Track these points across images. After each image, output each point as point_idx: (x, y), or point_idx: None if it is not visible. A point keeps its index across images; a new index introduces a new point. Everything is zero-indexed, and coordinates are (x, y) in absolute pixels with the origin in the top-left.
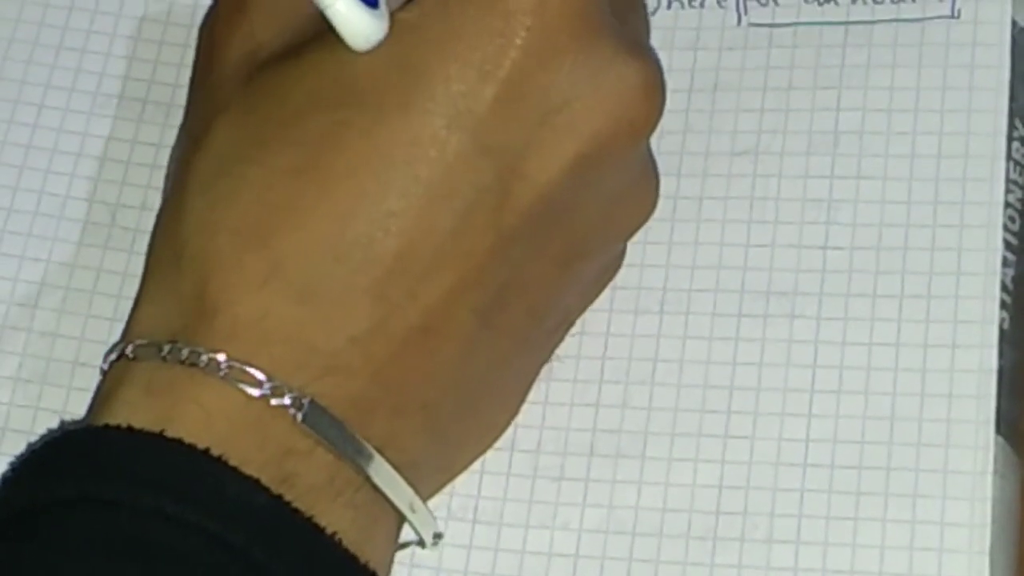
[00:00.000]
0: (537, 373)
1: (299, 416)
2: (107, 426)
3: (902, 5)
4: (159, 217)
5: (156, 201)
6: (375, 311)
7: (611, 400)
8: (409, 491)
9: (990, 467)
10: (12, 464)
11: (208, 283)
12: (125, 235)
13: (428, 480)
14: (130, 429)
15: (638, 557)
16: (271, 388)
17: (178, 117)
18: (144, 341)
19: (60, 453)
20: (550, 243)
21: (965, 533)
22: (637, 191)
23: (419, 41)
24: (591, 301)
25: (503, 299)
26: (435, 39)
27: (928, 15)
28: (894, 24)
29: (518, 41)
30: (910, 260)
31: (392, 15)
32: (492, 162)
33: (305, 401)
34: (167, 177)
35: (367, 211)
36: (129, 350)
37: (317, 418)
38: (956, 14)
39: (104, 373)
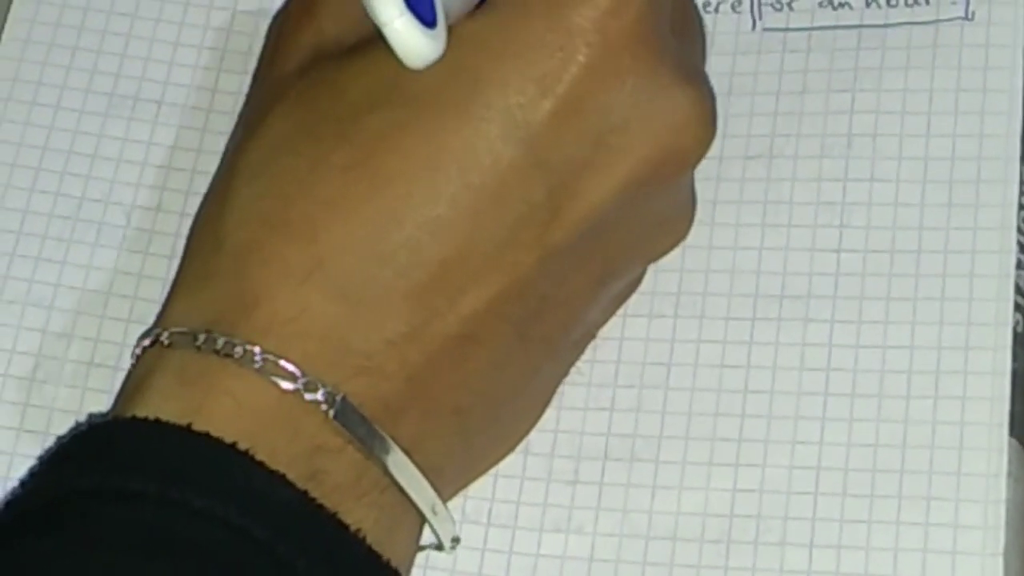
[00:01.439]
0: (559, 384)
1: (331, 413)
2: (134, 418)
3: (916, 8)
4: (204, 202)
5: (172, 203)
6: (414, 316)
7: (625, 404)
8: (432, 494)
9: (1004, 469)
10: (40, 456)
11: (249, 275)
12: (141, 237)
13: (449, 483)
14: (158, 421)
15: (652, 561)
16: (304, 383)
17: (193, 119)
18: (180, 329)
19: (87, 445)
20: (590, 260)
21: (979, 535)
22: (677, 216)
23: (480, 51)
24: (611, 316)
25: (540, 312)
26: (497, 50)
27: (942, 17)
28: (907, 27)
29: (580, 58)
30: (924, 263)
31: (455, 25)
32: (544, 177)
33: (338, 398)
34: (220, 164)
35: (415, 215)
36: (164, 336)
37: (348, 416)
38: (970, 16)
39: (137, 358)
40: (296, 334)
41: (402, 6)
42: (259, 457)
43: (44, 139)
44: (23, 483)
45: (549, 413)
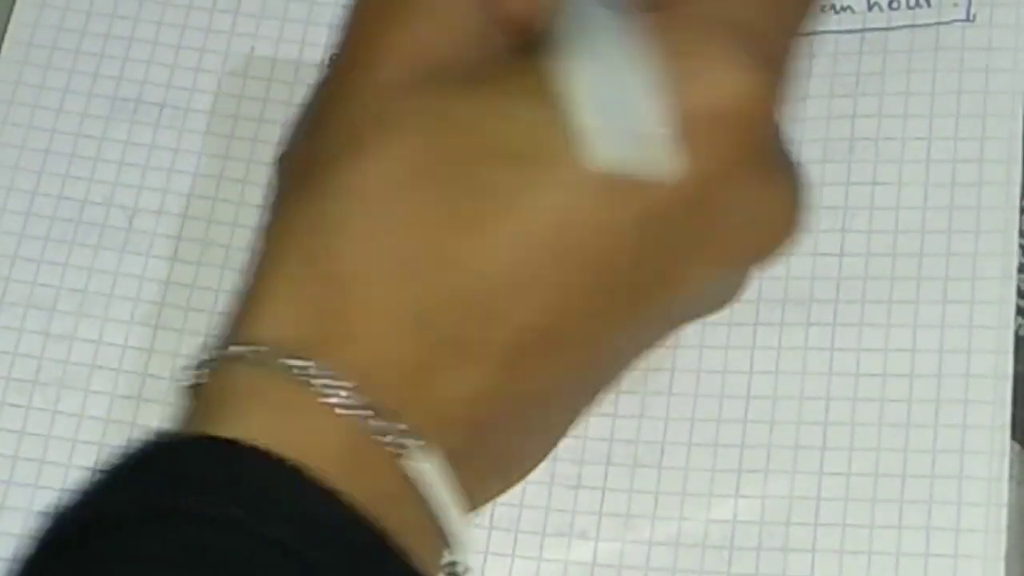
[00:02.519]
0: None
1: (402, 456)
2: (212, 438)
3: (917, 11)
4: (286, 211)
5: (173, 206)
6: (497, 374)
7: (628, 410)
8: (469, 534)
9: (1006, 473)
10: (107, 467)
11: (344, 306)
12: (142, 239)
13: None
14: (233, 443)
15: (655, 566)
16: (381, 424)
17: (195, 122)
18: (263, 344)
19: (160, 461)
20: (657, 327)
21: (980, 539)
22: (732, 294)
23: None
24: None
25: (602, 369)
26: None
27: (943, 20)
28: (909, 30)
29: (708, 148)
30: (926, 266)
31: None
32: (650, 260)
33: (413, 443)
34: (282, 163)
35: (519, 278)
36: (250, 353)
37: (418, 463)
38: (971, 18)
39: (213, 362)
40: (381, 374)
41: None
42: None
43: (47, 142)
44: (79, 497)
45: None
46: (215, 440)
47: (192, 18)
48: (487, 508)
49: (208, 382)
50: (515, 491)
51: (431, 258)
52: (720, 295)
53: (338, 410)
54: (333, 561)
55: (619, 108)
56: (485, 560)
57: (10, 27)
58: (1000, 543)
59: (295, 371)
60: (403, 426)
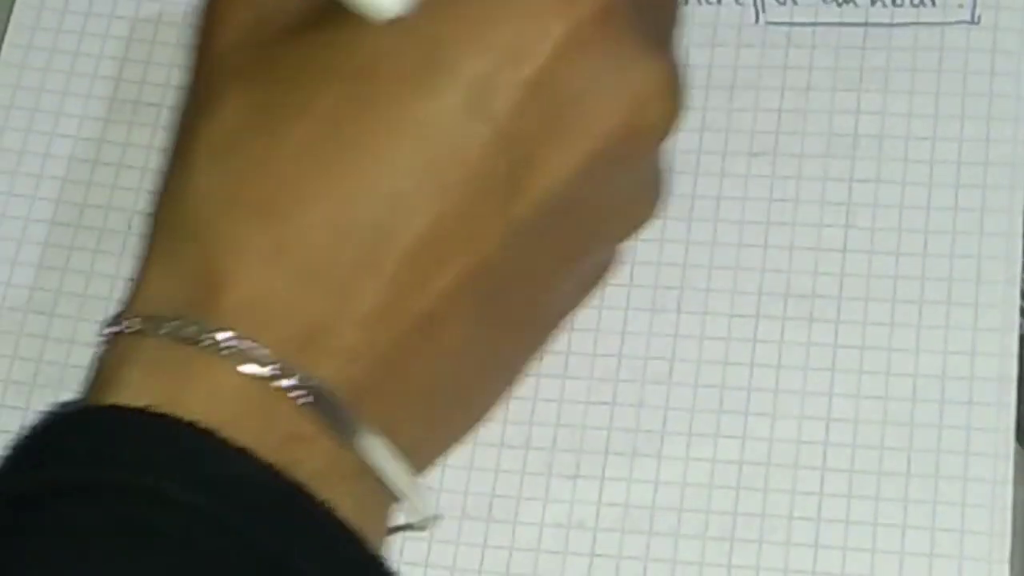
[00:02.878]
0: (527, 365)
1: (303, 400)
2: (110, 406)
3: (922, 9)
4: (162, 184)
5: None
6: (381, 295)
7: (627, 399)
8: (408, 476)
9: (1010, 475)
10: (10, 446)
11: (214, 259)
12: (142, 242)
13: (421, 460)
14: (132, 409)
15: (654, 557)
16: (276, 370)
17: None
18: (148, 315)
19: (60, 434)
20: (556, 236)
21: (985, 541)
22: (643, 195)
23: (443, 21)
24: (584, 297)
25: (506, 289)
26: (460, 20)
27: (948, 20)
28: (914, 28)
29: (544, 29)
30: (929, 266)
31: None
32: (507, 150)
33: (312, 384)
34: (169, 145)
35: (376, 192)
36: (133, 324)
37: (322, 404)
38: (976, 20)
39: (104, 345)
40: (264, 318)
41: None
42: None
43: (46, 146)
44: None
45: (550, 407)
46: (121, 409)
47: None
48: (487, 503)
49: (101, 359)
50: (512, 482)
51: (283, 193)
52: (625, 200)
53: (226, 361)
54: (254, 521)
55: None
56: (483, 554)
57: (9, 30)
58: (1005, 545)
59: (177, 332)
60: (298, 367)
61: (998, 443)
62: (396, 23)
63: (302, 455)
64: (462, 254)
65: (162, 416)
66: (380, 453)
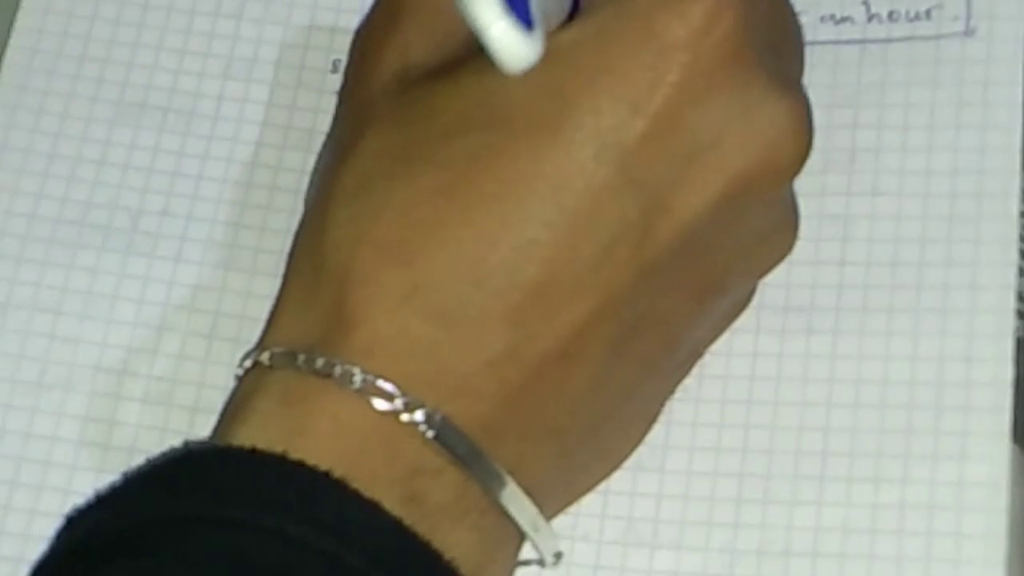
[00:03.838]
0: (663, 404)
1: (430, 434)
2: (230, 447)
3: (917, 23)
4: (301, 225)
5: (177, 207)
6: (511, 337)
7: None
8: (534, 511)
9: (1005, 479)
10: (130, 476)
11: (348, 297)
12: (146, 241)
13: (551, 502)
14: (253, 450)
15: (657, 569)
16: (404, 404)
17: (201, 126)
18: (280, 349)
19: (183, 470)
20: (688, 278)
21: (981, 544)
22: (778, 230)
23: (571, 70)
24: (719, 335)
25: (637, 330)
26: (587, 69)
27: (943, 32)
28: (909, 42)
29: (671, 77)
30: (926, 275)
31: (547, 38)
32: (637, 196)
33: (437, 418)
34: (311, 184)
35: (509, 237)
36: (265, 357)
37: (449, 437)
38: (970, 32)
39: (239, 378)
40: (395, 355)
41: (501, 9)
42: (358, 480)
43: (51, 146)
44: (102, 501)
45: None
46: (260, 452)
47: (196, 23)
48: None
49: (236, 389)
50: None
51: (418, 236)
52: (759, 240)
53: (360, 399)
54: (377, 569)
55: None
56: None
57: (14, 33)
58: (1000, 548)
59: (314, 367)
60: (426, 403)
61: (993, 447)
62: (526, 74)
63: (428, 487)
64: (592, 298)
65: (280, 457)
66: (507, 488)
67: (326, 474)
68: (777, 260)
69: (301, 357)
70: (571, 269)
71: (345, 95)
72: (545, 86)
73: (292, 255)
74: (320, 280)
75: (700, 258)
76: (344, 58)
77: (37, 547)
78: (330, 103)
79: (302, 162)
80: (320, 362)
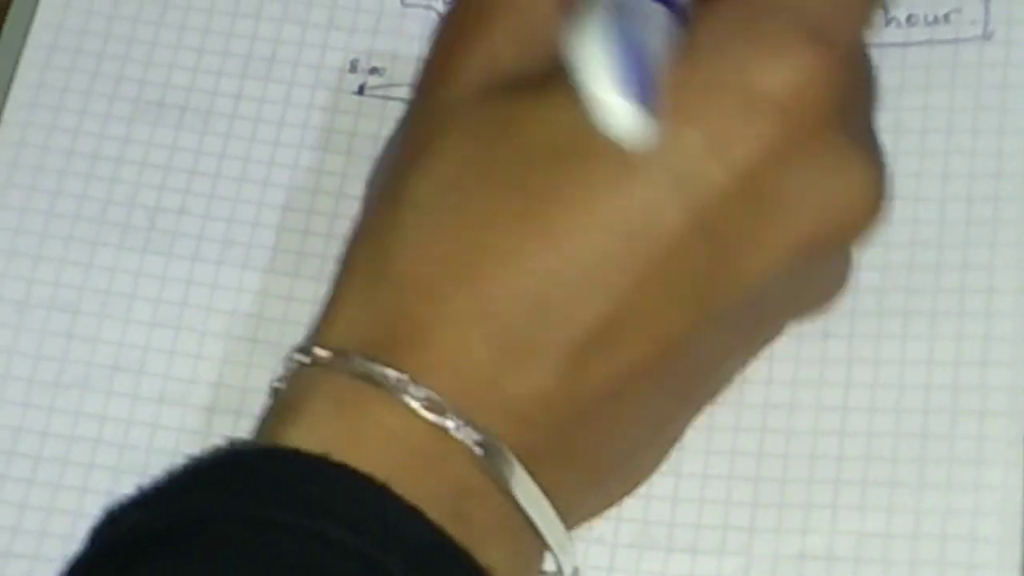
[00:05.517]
0: (687, 427)
1: (480, 453)
2: (277, 447)
3: (935, 27)
4: (363, 222)
5: (194, 206)
6: (567, 372)
7: None
8: (565, 533)
9: (1021, 483)
10: (175, 473)
11: (412, 309)
12: (163, 239)
13: (573, 521)
14: (298, 452)
15: (672, 572)
16: (459, 421)
17: (216, 124)
18: (337, 348)
19: (228, 470)
20: (741, 322)
21: (996, 549)
22: (835, 279)
23: (663, 113)
24: (750, 363)
25: (685, 368)
26: (678, 111)
27: (961, 37)
28: (927, 46)
29: (763, 133)
30: (942, 278)
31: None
32: (709, 248)
33: (491, 441)
34: (370, 183)
35: (579, 274)
36: (320, 355)
37: (498, 461)
38: (989, 35)
39: (290, 372)
40: (454, 375)
41: (618, 80)
42: (403, 492)
43: (70, 143)
44: (145, 498)
45: None
46: (304, 454)
47: (214, 22)
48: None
49: (287, 386)
50: None
51: (491, 258)
52: (813, 288)
53: (414, 411)
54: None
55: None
56: None
57: (33, 30)
58: (1016, 553)
59: (369, 374)
60: (479, 424)
61: (1010, 452)
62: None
63: (472, 508)
64: (650, 344)
65: (326, 460)
66: (545, 515)
67: (370, 479)
68: (824, 307)
69: (358, 361)
70: (634, 314)
71: (423, 91)
72: None
73: (351, 252)
74: (382, 286)
75: (755, 307)
76: (362, 58)
77: (54, 545)
78: (348, 102)
79: (319, 161)
80: (377, 370)
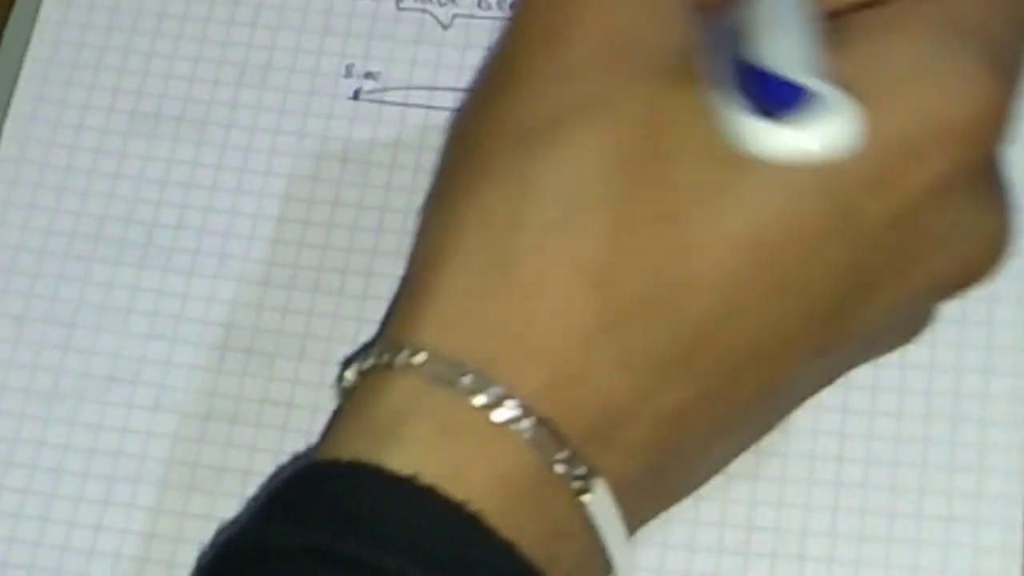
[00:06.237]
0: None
1: (586, 498)
2: (380, 469)
3: None
4: (459, 199)
5: (191, 220)
6: (686, 395)
7: None
8: (632, 559)
9: (1022, 492)
10: (273, 489)
11: (535, 318)
12: (160, 254)
13: None
14: (396, 479)
15: (669, 568)
16: (568, 458)
17: (213, 135)
18: (437, 353)
19: (314, 494)
20: (844, 356)
21: (997, 558)
22: (921, 321)
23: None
24: None
25: (780, 392)
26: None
27: None
28: None
29: (927, 171)
30: None
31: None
32: (850, 279)
33: (595, 482)
34: (451, 147)
35: (717, 290)
36: (420, 360)
37: (600, 502)
38: None
39: (377, 371)
40: (569, 398)
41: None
42: (507, 533)
43: (67, 159)
44: (242, 522)
45: None
46: (388, 475)
47: (210, 31)
48: None
49: (366, 389)
50: None
51: (623, 263)
52: (907, 326)
53: (515, 436)
54: None
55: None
56: None
57: (32, 45)
58: (1016, 562)
59: (469, 388)
60: (583, 457)
61: (1011, 461)
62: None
63: (562, 552)
64: (770, 371)
65: (440, 495)
66: (628, 557)
67: (476, 518)
68: (913, 339)
69: (467, 379)
70: (762, 336)
71: (530, 52)
72: None
73: (442, 236)
74: (502, 283)
75: (864, 341)
76: (357, 63)
77: (48, 555)
78: (343, 108)
79: (315, 169)
80: (492, 393)
